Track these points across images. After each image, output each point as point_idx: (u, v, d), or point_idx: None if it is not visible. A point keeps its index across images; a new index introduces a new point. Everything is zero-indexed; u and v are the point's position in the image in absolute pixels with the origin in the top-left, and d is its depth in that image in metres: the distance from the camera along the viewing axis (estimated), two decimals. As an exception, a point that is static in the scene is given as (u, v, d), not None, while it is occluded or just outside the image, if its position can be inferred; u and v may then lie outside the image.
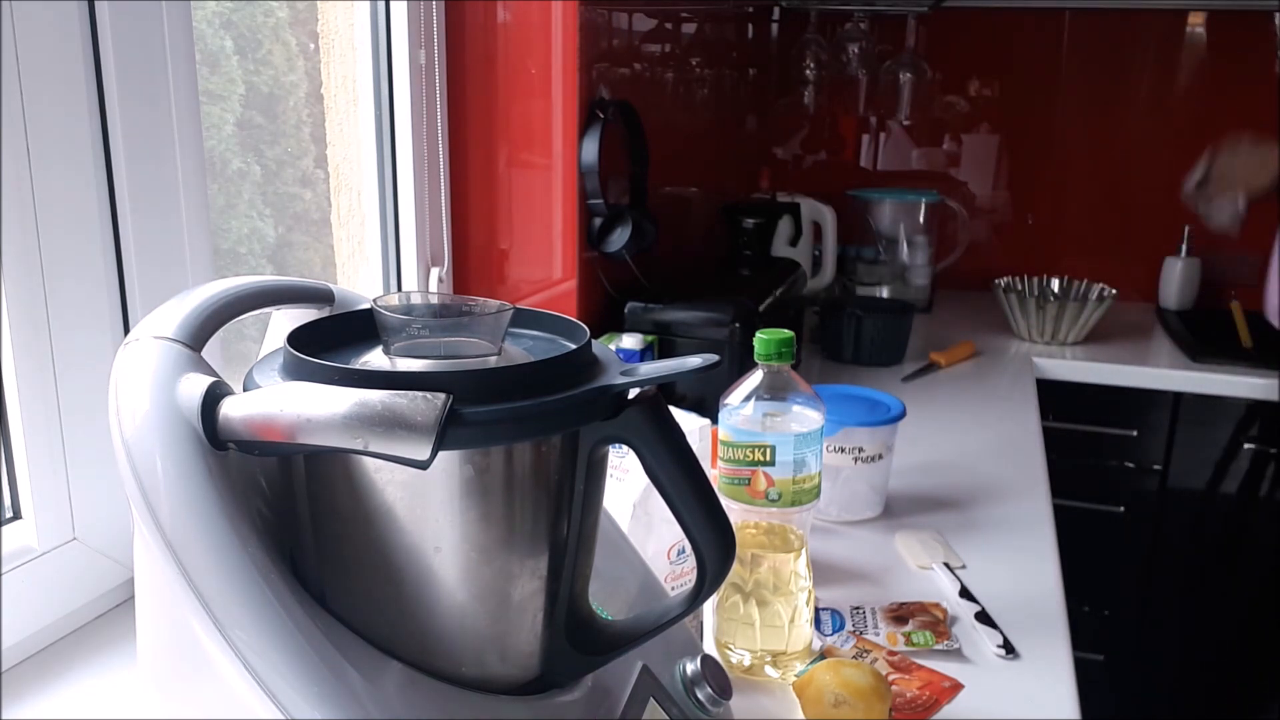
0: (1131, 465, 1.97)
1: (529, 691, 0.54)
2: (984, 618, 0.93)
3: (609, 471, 0.64)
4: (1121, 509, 1.98)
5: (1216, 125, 2.23)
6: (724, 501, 0.74)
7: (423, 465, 0.45)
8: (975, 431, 1.50)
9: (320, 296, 0.63)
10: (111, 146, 0.82)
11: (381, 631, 0.50)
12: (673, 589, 0.83)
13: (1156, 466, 1.95)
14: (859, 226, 2.25)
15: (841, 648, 0.87)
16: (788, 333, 0.86)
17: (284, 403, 0.46)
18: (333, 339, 0.54)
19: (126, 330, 0.85)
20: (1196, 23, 2.24)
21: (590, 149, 1.36)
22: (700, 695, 0.63)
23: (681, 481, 0.53)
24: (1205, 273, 2.25)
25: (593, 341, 0.54)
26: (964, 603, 0.96)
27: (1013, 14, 2.34)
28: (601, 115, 1.37)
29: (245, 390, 0.50)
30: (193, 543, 0.47)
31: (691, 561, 0.61)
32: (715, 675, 0.64)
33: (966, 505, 1.21)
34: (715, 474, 0.86)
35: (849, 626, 0.91)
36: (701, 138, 1.98)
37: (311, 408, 0.45)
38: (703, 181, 1.99)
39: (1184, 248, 2.25)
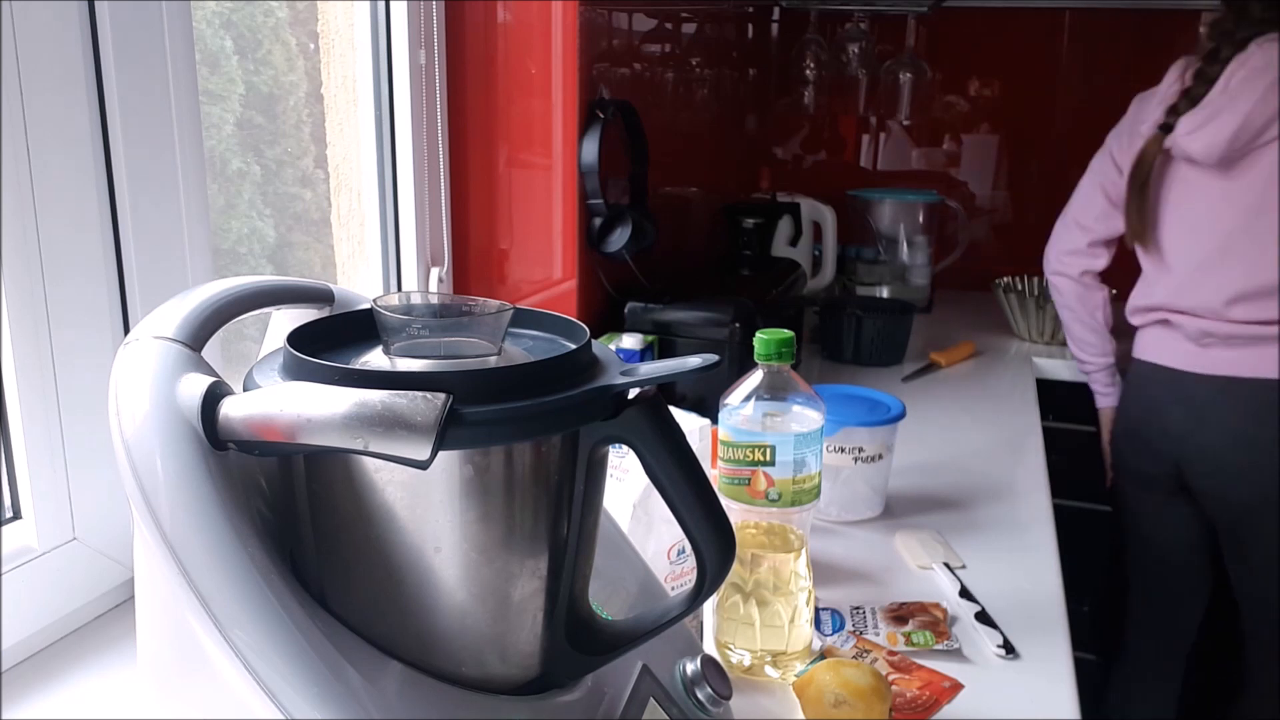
0: (1131, 465, 1.96)
1: (529, 691, 0.54)
2: (984, 618, 0.93)
3: (609, 471, 0.64)
4: (1121, 509, 1.98)
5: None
6: (724, 501, 0.74)
7: (423, 465, 0.45)
8: (975, 431, 1.50)
9: (320, 296, 0.63)
10: (111, 146, 0.82)
11: (381, 631, 0.50)
12: (673, 589, 0.83)
13: (1156, 466, 1.95)
14: (859, 226, 2.25)
15: (841, 648, 0.87)
16: (788, 333, 0.86)
17: (284, 403, 0.46)
18: (333, 339, 0.54)
19: (126, 330, 0.85)
20: (1196, 23, 2.24)
21: (590, 149, 1.36)
22: (700, 695, 0.63)
23: (681, 481, 0.53)
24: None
25: (593, 341, 0.54)
26: (964, 603, 0.96)
27: (1013, 14, 2.34)
28: (601, 115, 1.37)
29: (245, 390, 0.50)
30: (193, 543, 0.47)
31: (691, 561, 0.61)
32: (715, 675, 0.64)
33: (966, 505, 1.21)
34: (715, 474, 0.86)
35: (849, 626, 0.91)
36: (701, 138, 1.98)
37: (311, 408, 0.45)
38: (703, 181, 1.99)
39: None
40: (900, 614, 0.93)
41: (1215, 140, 1.52)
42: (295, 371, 0.49)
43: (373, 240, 1.35)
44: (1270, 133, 1.48)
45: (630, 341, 1.37)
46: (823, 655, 0.85)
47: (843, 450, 1.13)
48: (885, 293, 2.19)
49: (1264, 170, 1.50)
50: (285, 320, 0.62)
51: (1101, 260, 1.75)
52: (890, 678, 0.81)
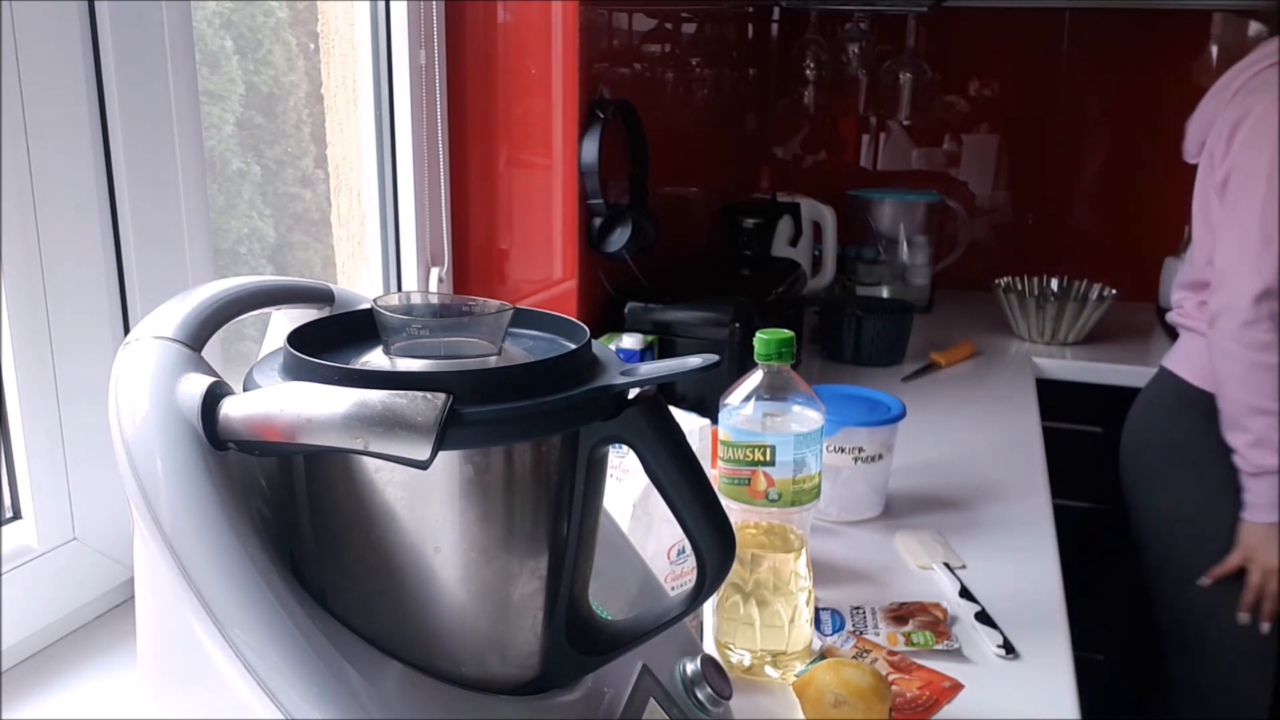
0: (1131, 465, 1.96)
1: (529, 691, 0.54)
2: (984, 618, 0.93)
3: (609, 471, 0.64)
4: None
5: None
6: (724, 501, 0.74)
7: (423, 465, 0.45)
8: (975, 431, 1.50)
9: (320, 296, 0.63)
10: (112, 147, 0.82)
11: (381, 631, 0.50)
12: (673, 589, 0.83)
13: (1156, 466, 1.94)
14: (859, 226, 2.25)
15: (841, 648, 0.87)
16: (788, 333, 0.86)
17: (284, 403, 0.46)
18: (333, 339, 0.54)
19: (126, 329, 0.85)
20: (1197, 23, 2.24)
21: (590, 149, 1.36)
22: (700, 695, 0.63)
23: (681, 481, 0.53)
24: (1205, 273, 2.25)
25: (593, 341, 0.54)
26: (964, 603, 0.96)
27: (1013, 14, 2.34)
28: (601, 115, 1.37)
29: (245, 390, 0.50)
30: (193, 543, 0.47)
31: (691, 561, 0.61)
32: (715, 675, 0.64)
33: (966, 505, 1.21)
34: (715, 474, 0.86)
35: (849, 626, 0.91)
36: (701, 138, 1.98)
37: (311, 408, 0.45)
38: (703, 181, 1.99)
39: (1184, 247, 2.25)
40: (900, 614, 0.93)
41: (1187, 143, 1.58)
42: (295, 371, 0.49)
43: (373, 240, 1.35)
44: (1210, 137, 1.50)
45: (630, 341, 1.37)
46: (823, 655, 0.85)
47: (843, 450, 1.13)
48: (885, 293, 2.18)
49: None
50: (285, 320, 0.62)
51: None
52: (890, 678, 0.81)
